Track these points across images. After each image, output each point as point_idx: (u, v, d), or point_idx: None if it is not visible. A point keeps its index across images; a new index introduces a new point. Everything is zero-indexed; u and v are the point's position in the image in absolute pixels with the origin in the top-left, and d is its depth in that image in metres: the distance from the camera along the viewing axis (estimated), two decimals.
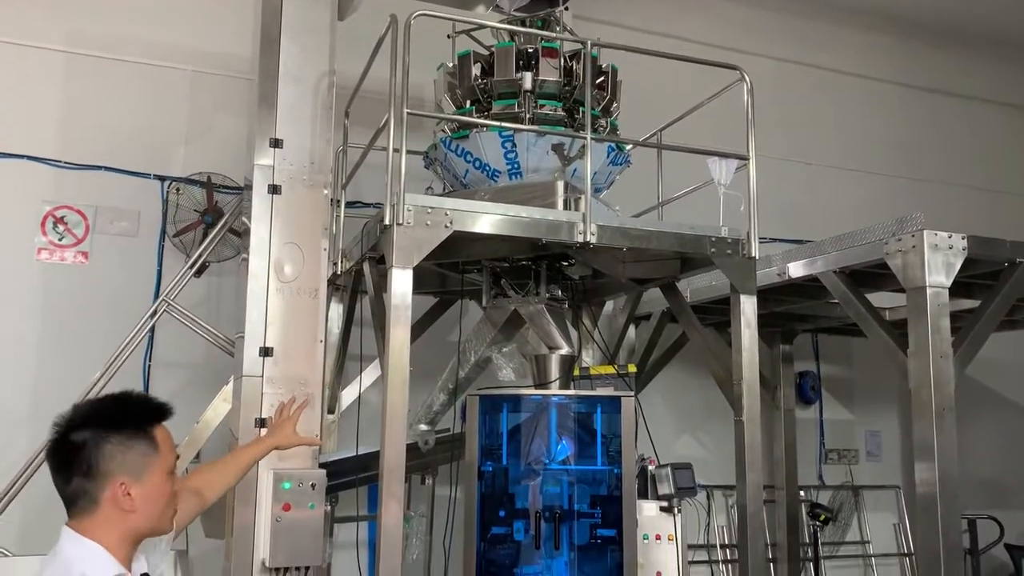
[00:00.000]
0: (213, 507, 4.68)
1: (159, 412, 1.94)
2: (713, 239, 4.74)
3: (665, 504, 5.16)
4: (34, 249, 6.33)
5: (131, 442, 1.85)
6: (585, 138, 4.56)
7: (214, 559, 4.84)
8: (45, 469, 4.94)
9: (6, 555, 4.78)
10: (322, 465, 4.58)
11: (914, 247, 4.75)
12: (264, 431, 4.44)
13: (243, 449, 2.70)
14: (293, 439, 2.75)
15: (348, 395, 6.18)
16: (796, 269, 5.69)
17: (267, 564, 4.24)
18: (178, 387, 6.47)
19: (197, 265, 5.66)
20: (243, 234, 5.62)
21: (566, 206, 4.61)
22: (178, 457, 1.98)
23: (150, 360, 6.40)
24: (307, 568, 4.34)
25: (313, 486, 4.36)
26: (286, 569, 4.30)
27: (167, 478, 1.91)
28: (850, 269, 5.31)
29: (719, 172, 4.80)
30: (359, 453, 5.12)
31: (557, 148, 4.87)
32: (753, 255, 4.77)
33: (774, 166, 5.90)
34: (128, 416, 1.88)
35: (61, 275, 6.37)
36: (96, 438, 1.82)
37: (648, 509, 5.19)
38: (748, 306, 4.78)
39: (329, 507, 5.13)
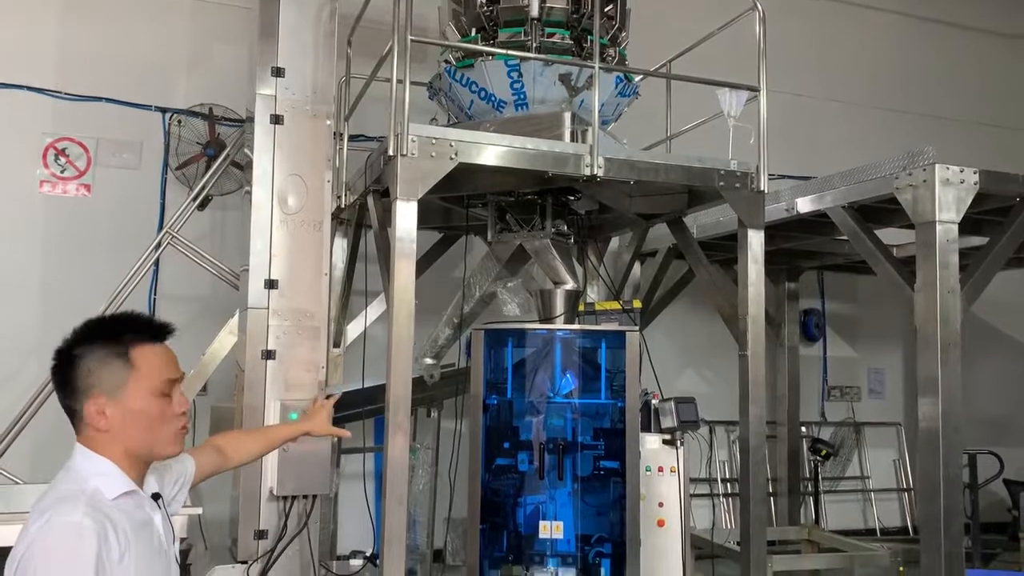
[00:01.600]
0: None
1: (142, 329, 1.86)
2: (722, 172, 4.67)
3: (668, 437, 5.21)
4: (36, 182, 6.30)
5: (107, 360, 1.80)
6: (593, 67, 4.46)
7: (223, 488, 4.90)
8: (53, 399, 5.00)
9: (18, 483, 4.85)
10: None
11: (925, 181, 4.69)
12: (270, 363, 4.49)
13: (276, 427, 2.74)
14: (326, 428, 2.80)
15: (353, 329, 6.20)
16: (804, 204, 5.63)
17: (275, 492, 4.31)
18: (184, 321, 6.45)
19: (200, 198, 5.62)
20: (245, 167, 5.57)
21: (573, 138, 4.54)
22: (180, 379, 1.92)
23: (155, 294, 6.42)
24: (314, 496, 4.41)
25: None
26: (294, 497, 4.36)
27: (152, 399, 1.82)
28: (859, 204, 5.25)
29: (729, 104, 4.71)
30: (365, 386, 5.16)
31: (564, 78, 4.77)
32: (762, 189, 4.71)
33: (783, 101, 5.79)
34: (108, 334, 1.83)
35: (64, 208, 6.35)
36: (76, 356, 1.80)
37: (651, 442, 5.24)
38: (755, 241, 4.73)
39: (335, 439, 5.20)
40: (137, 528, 1.77)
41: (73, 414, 1.82)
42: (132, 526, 1.75)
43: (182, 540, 4.28)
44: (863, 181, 5.17)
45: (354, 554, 4.81)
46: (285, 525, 4.34)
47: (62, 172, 6.33)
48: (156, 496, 1.92)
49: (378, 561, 4.55)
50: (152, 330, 1.88)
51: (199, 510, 4.10)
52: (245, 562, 4.29)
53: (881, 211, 5.40)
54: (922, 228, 4.71)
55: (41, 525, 1.65)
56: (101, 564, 1.63)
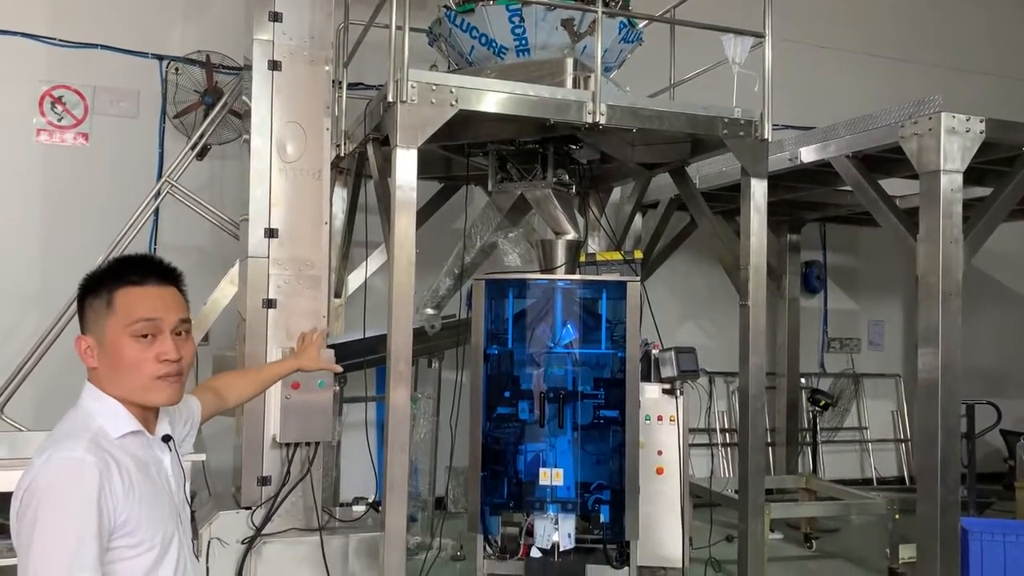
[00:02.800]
0: None
1: (130, 270, 1.82)
2: (725, 120, 4.62)
3: (668, 386, 5.24)
4: (33, 131, 6.24)
5: (94, 301, 1.81)
6: (596, 12, 4.38)
7: (225, 436, 4.95)
8: (56, 348, 5.00)
9: (22, 430, 4.89)
10: (330, 347, 4.62)
11: (930, 130, 4.64)
12: (271, 311, 4.49)
13: (268, 365, 2.73)
14: (317, 363, 2.78)
15: (354, 280, 6.20)
16: (808, 154, 5.58)
17: (278, 440, 4.34)
18: (184, 270, 6.43)
19: (199, 147, 5.57)
20: (244, 116, 5.51)
21: (575, 85, 4.48)
22: (185, 322, 1.88)
23: (156, 244, 6.40)
24: (316, 444, 4.44)
25: None
26: (296, 445, 4.40)
27: (127, 341, 1.77)
28: (863, 153, 5.20)
29: (733, 50, 4.65)
30: (367, 336, 5.17)
31: (567, 23, 4.68)
32: (766, 137, 4.66)
33: (787, 50, 5.70)
34: (93, 276, 1.85)
35: (62, 157, 6.30)
36: (80, 294, 1.84)
37: (650, 391, 5.27)
38: (758, 190, 4.70)
39: (338, 388, 5.23)
40: (142, 468, 1.76)
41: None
42: (136, 465, 1.74)
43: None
44: (868, 130, 5.11)
45: (357, 500, 4.87)
46: (288, 472, 4.38)
47: (59, 121, 6.27)
48: (167, 438, 1.92)
49: (380, 507, 4.62)
50: (139, 270, 1.83)
51: (202, 456, 4.14)
52: (249, 508, 4.34)
53: (885, 161, 5.36)
54: (926, 177, 4.67)
55: (44, 460, 1.66)
56: (103, 499, 1.63)
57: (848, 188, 5.98)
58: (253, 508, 4.34)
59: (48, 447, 1.69)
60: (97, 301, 1.80)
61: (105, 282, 1.81)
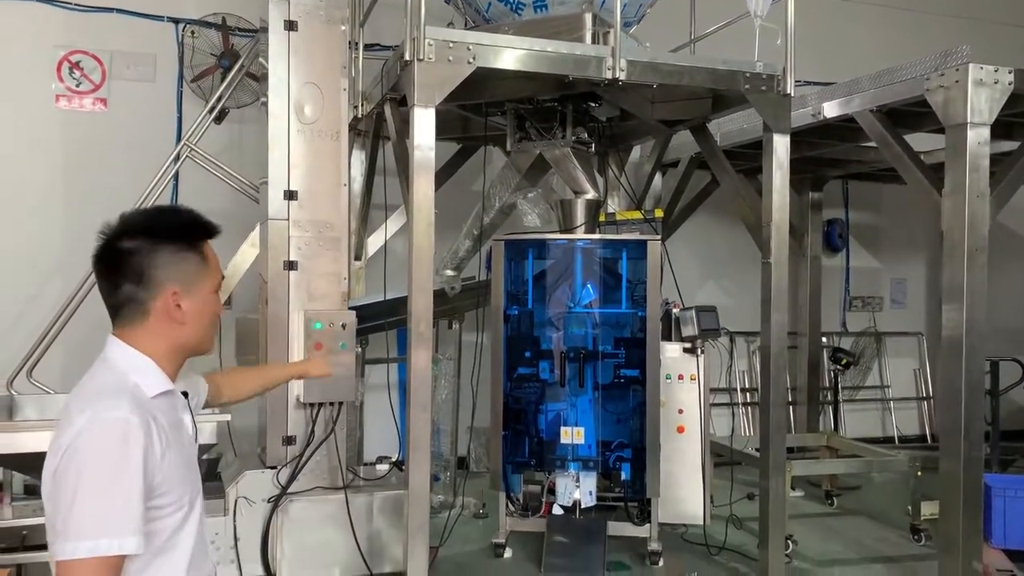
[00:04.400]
0: (247, 348, 4.83)
1: (209, 228, 1.88)
2: (747, 75, 4.54)
3: (689, 345, 5.24)
4: (52, 96, 6.25)
5: (184, 253, 1.80)
6: None
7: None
8: (82, 311, 5.05)
9: (49, 393, 4.97)
10: (351, 309, 4.65)
11: (957, 82, 4.53)
12: (293, 274, 4.51)
13: (273, 366, 2.74)
14: (322, 369, 2.85)
15: (373, 243, 6.21)
16: (831, 108, 5.49)
17: (302, 400, 4.38)
18: None
19: (216, 110, 5.56)
20: (261, 78, 5.49)
21: (594, 40, 4.42)
22: (223, 278, 1.96)
23: None
24: (340, 404, 4.48)
25: (344, 326, 4.44)
26: (320, 404, 4.44)
27: (215, 295, 1.89)
28: (888, 107, 5.11)
29: (755, 3, 4.55)
30: (387, 298, 5.19)
31: None
32: (788, 91, 4.58)
33: (808, 3, 5.57)
34: (182, 228, 1.83)
35: (81, 122, 6.31)
36: (149, 246, 1.76)
37: (671, 350, 5.28)
38: (781, 146, 4.63)
39: (360, 349, 5.26)
40: (173, 427, 1.77)
41: (130, 303, 1.77)
42: (169, 425, 1.75)
43: (212, 447, 4.41)
44: (892, 83, 5.01)
45: (380, 460, 4.91)
46: (312, 431, 4.43)
47: (77, 86, 6.28)
48: (185, 394, 1.94)
49: (403, 466, 4.66)
50: (211, 228, 1.90)
51: (228, 417, 4.18)
52: (274, 467, 4.40)
53: (910, 115, 5.25)
54: (952, 131, 4.58)
55: (89, 417, 1.61)
56: (147, 461, 1.62)
57: (871, 144, 5.89)
58: (278, 467, 4.40)
59: (88, 403, 1.65)
60: (187, 255, 1.81)
61: (193, 236, 1.84)
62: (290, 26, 4.47)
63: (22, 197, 6.08)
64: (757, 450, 5.57)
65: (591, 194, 5.24)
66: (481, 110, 5.43)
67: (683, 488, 5.28)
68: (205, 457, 4.82)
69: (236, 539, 4.29)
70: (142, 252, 1.76)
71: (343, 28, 4.61)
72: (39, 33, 6.20)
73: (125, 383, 1.72)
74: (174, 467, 1.71)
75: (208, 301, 1.86)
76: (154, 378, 1.78)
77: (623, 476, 5.12)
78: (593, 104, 5.12)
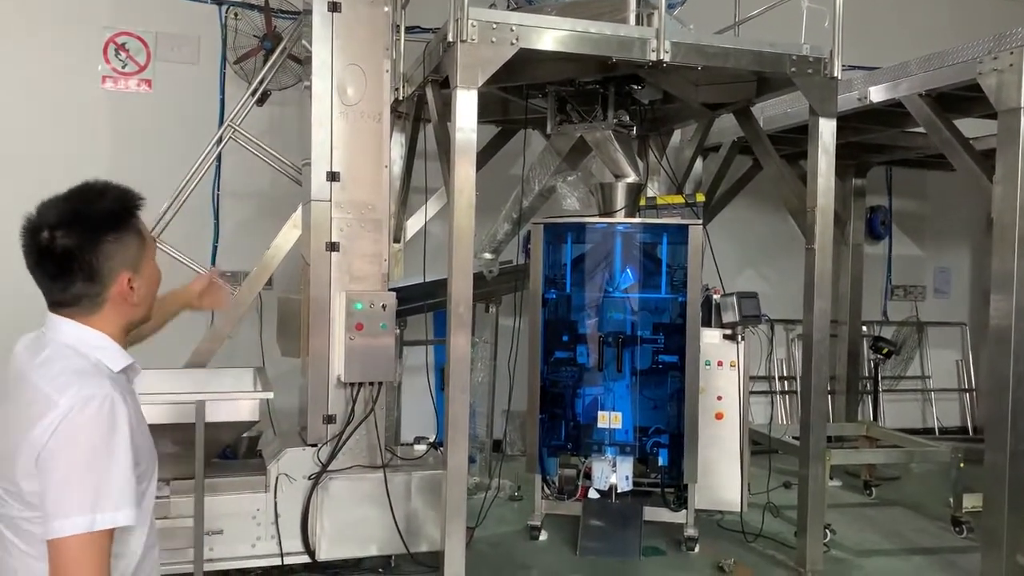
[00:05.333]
0: (289, 328, 4.88)
1: (137, 201, 1.82)
2: (794, 57, 4.48)
3: (729, 332, 5.20)
4: (99, 77, 6.35)
5: (125, 237, 1.76)
6: None
7: (290, 376, 5.06)
8: None
9: None
10: (391, 290, 4.67)
11: (1011, 65, 4.42)
12: (334, 255, 4.54)
13: (170, 298, 2.55)
14: (216, 301, 2.71)
15: (412, 225, 6.23)
16: (878, 93, 5.39)
17: (342, 379, 4.42)
18: (247, 216, 6.60)
19: (259, 92, 5.60)
20: (304, 61, 5.52)
21: (638, 21, 4.38)
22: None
23: (219, 189, 6.51)
24: (380, 383, 4.52)
25: (384, 307, 4.46)
26: (360, 384, 4.48)
27: (154, 263, 1.87)
28: (937, 92, 5.00)
29: None
30: (426, 280, 5.21)
31: None
32: (836, 75, 4.51)
33: None
34: (117, 213, 1.77)
35: (126, 103, 6.40)
36: (91, 240, 1.71)
37: (710, 336, 5.24)
38: (827, 130, 4.57)
39: (398, 331, 5.29)
40: (136, 399, 1.80)
41: (84, 299, 1.74)
42: (133, 397, 1.78)
43: (254, 424, 4.47)
44: (942, 67, 4.90)
45: (418, 440, 4.95)
46: (352, 410, 4.47)
47: (123, 67, 6.37)
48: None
49: (441, 446, 4.69)
50: (139, 198, 1.84)
51: (270, 395, 4.23)
52: (315, 445, 4.45)
53: (959, 100, 5.14)
54: (1005, 116, 4.47)
55: (73, 396, 1.60)
56: (132, 435, 1.65)
57: (918, 129, 5.79)
58: (319, 445, 4.44)
59: (67, 385, 1.63)
60: (127, 237, 1.77)
61: (128, 216, 1.79)
62: (334, 7, 4.48)
63: (69, 177, 6.14)
64: (795, 438, 5.53)
65: (632, 178, 5.20)
66: (521, 92, 5.41)
67: (720, 475, 5.26)
68: (246, 435, 4.90)
69: (277, 515, 4.35)
70: (86, 248, 1.71)
71: (386, 10, 4.61)
72: (87, 15, 6.29)
73: (91, 360, 1.71)
74: (141, 437, 1.74)
75: (153, 272, 1.85)
76: (115, 353, 1.77)
77: (660, 461, 5.11)
78: (635, 86, 5.08)
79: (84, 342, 1.73)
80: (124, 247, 1.76)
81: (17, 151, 6.09)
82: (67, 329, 1.74)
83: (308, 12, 4.72)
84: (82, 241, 1.70)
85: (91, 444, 1.58)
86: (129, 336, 1.89)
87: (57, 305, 1.77)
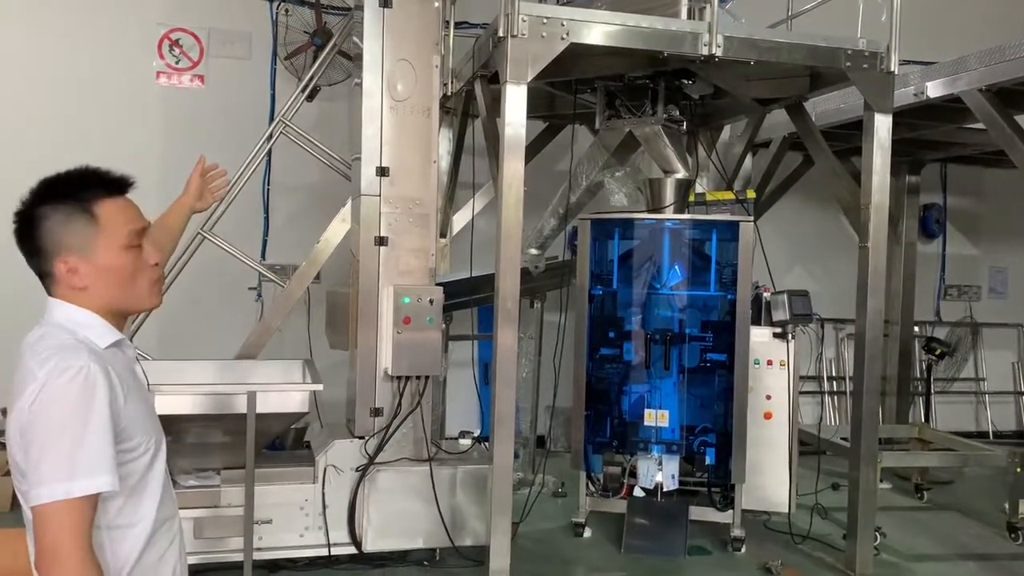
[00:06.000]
0: (337, 321, 4.92)
1: (101, 184, 1.79)
2: (849, 51, 4.39)
3: (779, 330, 5.13)
4: (153, 73, 6.47)
5: (73, 215, 1.74)
6: None
7: (337, 369, 5.11)
8: (177, 286, 5.19)
9: (147, 358, 5.16)
10: (437, 285, 4.69)
11: None
12: (383, 249, 4.56)
13: (167, 215, 2.51)
14: (205, 200, 2.64)
15: (458, 220, 6.25)
16: (935, 88, 5.27)
17: (390, 373, 4.45)
18: (296, 210, 6.67)
19: (309, 88, 5.65)
20: (354, 57, 5.55)
21: (690, 15, 4.33)
22: (144, 228, 1.85)
23: (269, 183, 6.59)
24: (427, 377, 4.54)
25: (431, 301, 4.48)
26: (407, 378, 4.51)
27: (124, 253, 1.78)
28: (997, 87, 4.88)
29: None
30: (473, 275, 5.22)
31: None
32: (892, 69, 4.42)
33: None
34: (67, 191, 1.76)
35: (180, 98, 6.52)
36: (38, 215, 1.74)
37: (759, 335, 5.17)
38: (883, 126, 4.48)
39: (445, 326, 5.32)
40: (129, 374, 1.80)
41: (44, 276, 1.78)
42: (125, 372, 1.78)
43: (303, 416, 4.52)
44: (1004, 61, 4.78)
45: (463, 434, 4.97)
46: (399, 404, 4.49)
47: (177, 63, 6.48)
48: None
49: (485, 441, 4.71)
50: (111, 184, 1.82)
51: (320, 387, 4.28)
52: (362, 437, 4.49)
53: (1021, 95, 5.01)
54: None
55: (50, 369, 1.63)
56: (112, 404, 1.66)
57: (976, 126, 5.65)
58: (366, 438, 4.48)
59: (47, 359, 1.65)
60: (74, 218, 1.74)
61: (78, 198, 1.76)
62: (385, 3, 4.51)
63: (124, 170, 6.31)
64: (844, 439, 5.44)
65: (682, 173, 5.16)
66: (569, 87, 5.39)
67: (767, 475, 5.19)
68: (293, 426, 4.97)
69: (324, 506, 4.40)
70: (32, 221, 1.74)
71: (436, 5, 4.62)
72: (142, 12, 6.42)
73: (76, 337, 1.73)
74: (135, 411, 1.74)
75: (113, 261, 1.77)
76: (103, 331, 1.78)
77: (707, 461, 5.06)
78: (686, 81, 5.03)
79: (71, 320, 1.76)
80: (67, 225, 1.74)
81: (74, 146, 6.16)
82: (56, 309, 1.78)
83: (359, 8, 4.75)
84: (31, 213, 1.75)
85: (64, 412, 1.61)
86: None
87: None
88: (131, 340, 1.96)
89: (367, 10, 4.51)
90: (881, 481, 5.94)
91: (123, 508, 1.73)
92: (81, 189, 1.77)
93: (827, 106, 6.08)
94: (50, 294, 1.81)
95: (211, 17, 6.54)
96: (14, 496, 4.93)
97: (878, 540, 4.98)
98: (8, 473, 5.09)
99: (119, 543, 1.73)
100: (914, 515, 5.91)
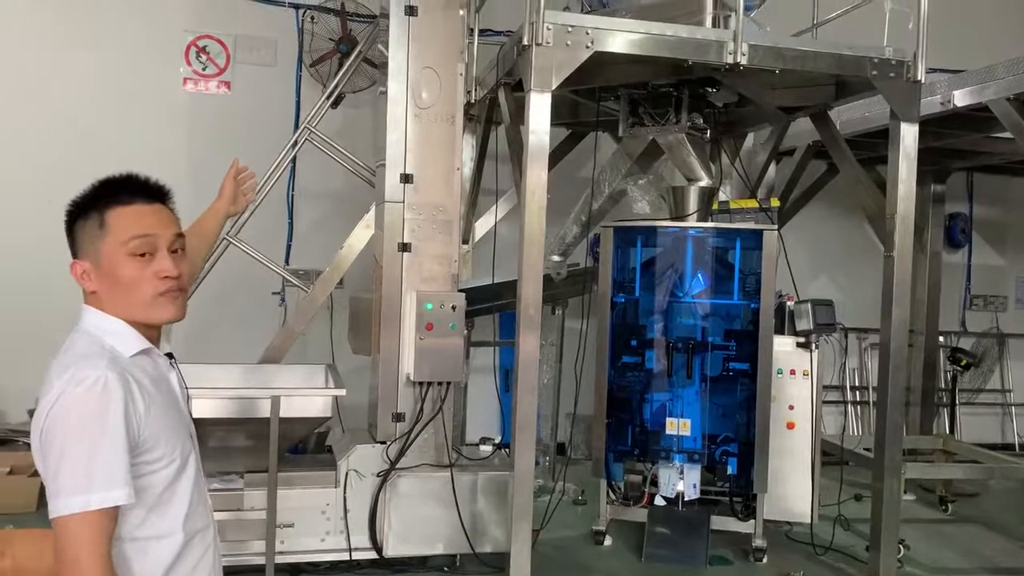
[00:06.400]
0: (360, 327, 4.95)
1: (118, 190, 1.80)
2: (875, 60, 4.37)
3: (803, 340, 5.10)
4: (180, 79, 6.54)
5: (88, 221, 1.77)
6: None
7: (359, 374, 5.14)
8: (202, 290, 5.23)
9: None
10: (460, 291, 4.71)
11: None
12: (406, 255, 4.58)
13: (203, 220, 2.51)
14: (239, 204, 2.63)
15: (480, 227, 6.26)
16: (962, 97, 5.23)
17: (412, 378, 4.47)
18: (320, 216, 6.72)
19: (335, 95, 5.70)
20: (380, 65, 5.59)
21: (715, 24, 4.33)
22: (170, 240, 1.82)
23: (293, 190, 6.64)
24: (448, 383, 4.55)
25: (453, 308, 4.50)
26: (429, 384, 4.52)
27: (126, 260, 1.76)
28: None
29: None
30: (495, 282, 5.23)
31: None
32: (919, 78, 4.39)
33: None
34: (87, 194, 1.81)
35: (206, 104, 6.59)
36: (69, 219, 1.80)
37: (783, 344, 5.14)
38: (909, 135, 4.44)
39: (466, 331, 5.32)
40: (156, 384, 1.78)
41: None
42: (151, 382, 1.76)
43: (326, 420, 4.55)
44: None
45: (483, 440, 4.98)
46: (421, 409, 4.51)
47: (204, 70, 6.55)
48: (170, 355, 1.92)
49: (506, 448, 4.71)
50: (133, 189, 1.82)
51: (343, 392, 4.31)
52: (384, 442, 4.51)
53: None
54: None
55: (67, 378, 1.63)
56: (129, 415, 1.64)
57: (1004, 135, 5.60)
58: (388, 443, 4.50)
59: (67, 368, 1.66)
60: (88, 223, 1.77)
61: (95, 203, 1.78)
62: (410, 11, 4.54)
63: (152, 176, 6.39)
64: (867, 450, 5.39)
65: (705, 181, 5.14)
66: (593, 95, 5.40)
67: (790, 485, 5.15)
68: (316, 431, 4.99)
69: (346, 511, 4.42)
70: (68, 225, 1.81)
71: (461, 13, 4.65)
72: (170, 19, 6.50)
73: (102, 345, 1.73)
74: (160, 422, 1.72)
75: (118, 268, 1.76)
76: (129, 338, 1.77)
77: (729, 470, 5.03)
78: (710, 89, 5.01)
79: (99, 327, 1.76)
80: (84, 230, 1.78)
81: (103, 152, 6.29)
82: (86, 315, 1.79)
83: (384, 16, 4.79)
84: (68, 217, 1.81)
85: (80, 423, 1.60)
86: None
87: None
88: (170, 348, 1.93)
89: (393, 18, 4.55)
90: (905, 493, 5.89)
91: (146, 520, 1.71)
92: (106, 194, 1.79)
93: (852, 114, 6.05)
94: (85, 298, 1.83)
95: (238, 24, 6.62)
96: (40, 496, 5.02)
97: (902, 552, 4.93)
98: (35, 473, 5.17)
99: (145, 555, 1.72)
100: (938, 528, 5.84)
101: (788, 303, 5.13)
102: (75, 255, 1.80)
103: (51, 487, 1.61)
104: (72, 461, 1.59)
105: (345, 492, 4.44)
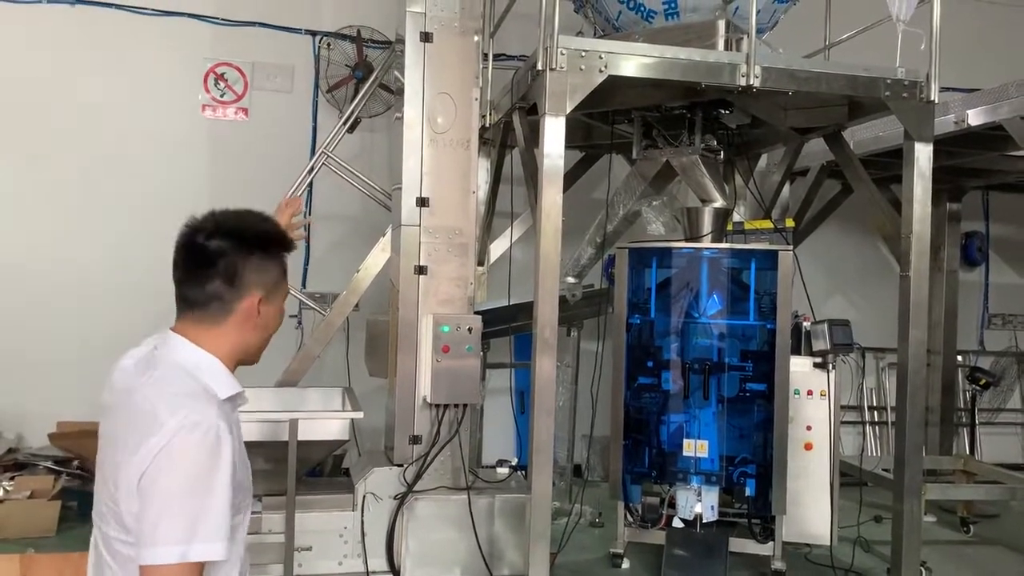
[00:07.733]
0: (377, 349, 4.98)
1: (287, 243, 1.93)
2: (888, 81, 4.39)
3: (819, 360, 5.08)
4: (199, 106, 6.64)
5: (269, 262, 1.84)
6: None
7: (376, 396, 5.16)
8: None
9: None
10: (476, 313, 4.73)
11: None
12: (422, 278, 4.62)
13: None
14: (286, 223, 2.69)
15: (495, 249, 6.29)
16: (976, 116, 5.23)
17: (428, 401, 4.49)
18: (337, 239, 6.78)
19: (351, 120, 5.77)
20: (396, 90, 5.67)
21: (727, 47, 4.36)
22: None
23: (310, 212, 6.70)
24: (465, 405, 4.56)
25: (470, 330, 4.52)
26: (446, 406, 4.53)
27: (282, 307, 1.92)
28: None
29: (898, 5, 4.39)
30: (511, 303, 5.25)
31: None
32: (932, 98, 4.40)
33: (950, 7, 5.30)
34: (269, 238, 1.87)
35: (224, 131, 6.68)
36: (243, 249, 1.79)
37: (800, 365, 5.12)
38: (923, 155, 4.45)
39: (482, 353, 5.35)
40: (239, 430, 1.79)
41: (216, 300, 1.78)
42: (236, 429, 1.77)
43: (344, 443, 4.57)
44: None
45: (500, 463, 4.98)
46: (438, 432, 4.52)
47: (222, 96, 6.65)
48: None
49: (522, 470, 4.71)
50: (290, 244, 1.95)
51: (360, 414, 4.33)
52: (401, 465, 4.52)
53: None
54: None
55: (181, 420, 1.59)
56: (234, 468, 1.64)
57: (1019, 153, 5.60)
58: (405, 466, 4.51)
59: (178, 406, 1.63)
60: (271, 264, 1.84)
61: (279, 247, 1.88)
62: (426, 38, 4.61)
63: (171, 201, 6.44)
64: (886, 471, 5.35)
65: (719, 202, 5.16)
66: (606, 118, 5.44)
67: (808, 507, 5.11)
68: (333, 453, 5.01)
69: (364, 534, 4.43)
70: (235, 253, 1.78)
71: (476, 39, 4.71)
72: (189, 46, 6.61)
73: (199, 382, 1.71)
74: (243, 472, 1.73)
75: (279, 311, 1.90)
76: (225, 380, 1.76)
77: (747, 492, 5.00)
78: (723, 111, 5.05)
79: (195, 364, 1.74)
80: (266, 271, 1.84)
81: (123, 176, 6.41)
82: (181, 348, 1.76)
83: (399, 42, 4.85)
84: (234, 246, 1.78)
85: (192, 473, 1.58)
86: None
87: (187, 304, 1.80)
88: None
89: (408, 44, 4.61)
90: (925, 514, 5.83)
91: (208, 570, 1.66)
92: (278, 241, 1.89)
93: (865, 134, 6.05)
94: (186, 320, 1.80)
95: (255, 52, 6.71)
96: (60, 519, 5.05)
97: (923, 575, 4.87)
98: (55, 497, 5.18)
99: None
100: (960, 549, 5.78)
101: (804, 323, 5.12)
102: (243, 288, 1.79)
103: (148, 534, 1.57)
104: (178, 511, 1.57)
105: (362, 515, 4.45)
